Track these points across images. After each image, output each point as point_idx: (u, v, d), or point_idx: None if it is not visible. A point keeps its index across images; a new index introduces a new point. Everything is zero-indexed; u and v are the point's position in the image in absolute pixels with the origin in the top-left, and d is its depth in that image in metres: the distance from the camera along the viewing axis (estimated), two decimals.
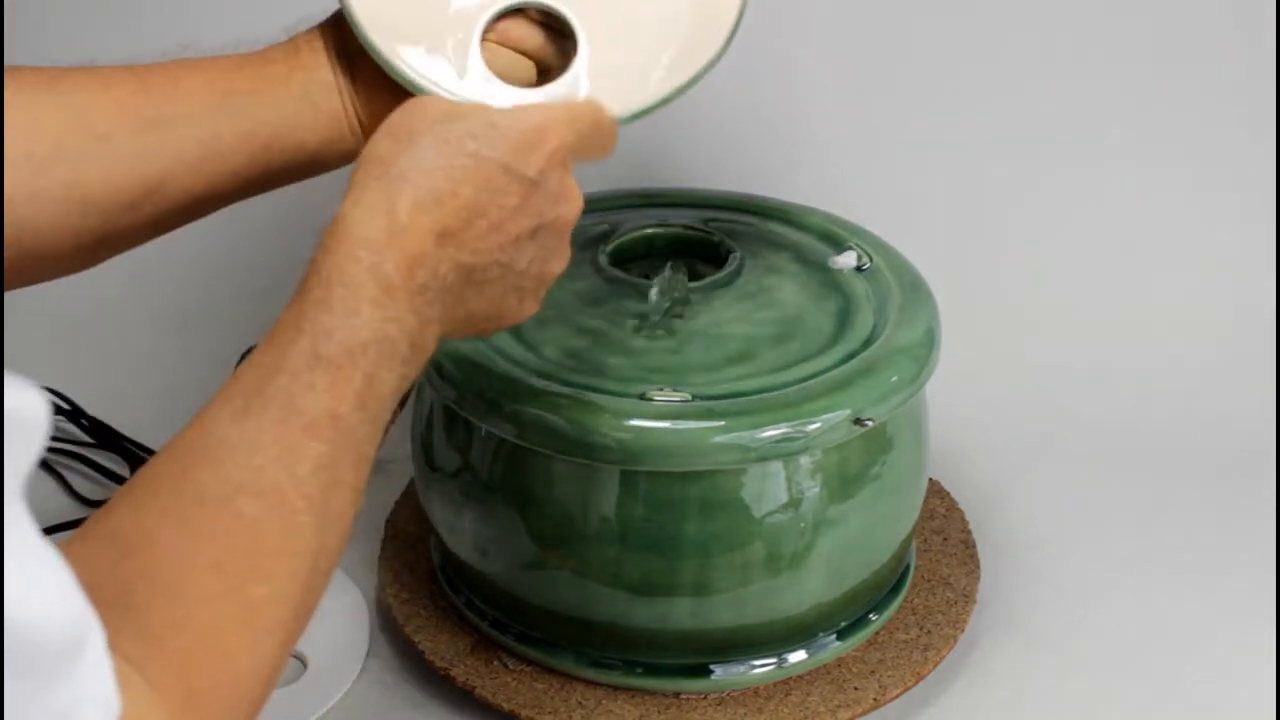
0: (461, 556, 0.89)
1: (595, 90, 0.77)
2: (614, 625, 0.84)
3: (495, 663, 0.88)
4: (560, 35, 0.79)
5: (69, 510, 1.05)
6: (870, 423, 0.82)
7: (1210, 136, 1.21)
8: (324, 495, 0.59)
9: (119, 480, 1.07)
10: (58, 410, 1.13)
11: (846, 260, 0.93)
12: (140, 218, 0.73)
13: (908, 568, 0.93)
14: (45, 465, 1.09)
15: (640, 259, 0.93)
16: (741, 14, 0.78)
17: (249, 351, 1.25)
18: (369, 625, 0.94)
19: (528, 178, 0.66)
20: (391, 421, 1.09)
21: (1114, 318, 1.19)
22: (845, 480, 0.83)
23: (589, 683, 0.87)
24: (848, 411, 0.81)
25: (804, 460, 0.82)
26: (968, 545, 0.97)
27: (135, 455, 1.09)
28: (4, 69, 0.70)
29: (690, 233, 0.94)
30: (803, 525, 0.83)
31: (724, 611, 0.84)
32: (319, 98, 0.75)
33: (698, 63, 0.77)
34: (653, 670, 0.86)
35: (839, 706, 0.85)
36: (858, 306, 0.89)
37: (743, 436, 0.80)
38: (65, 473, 1.08)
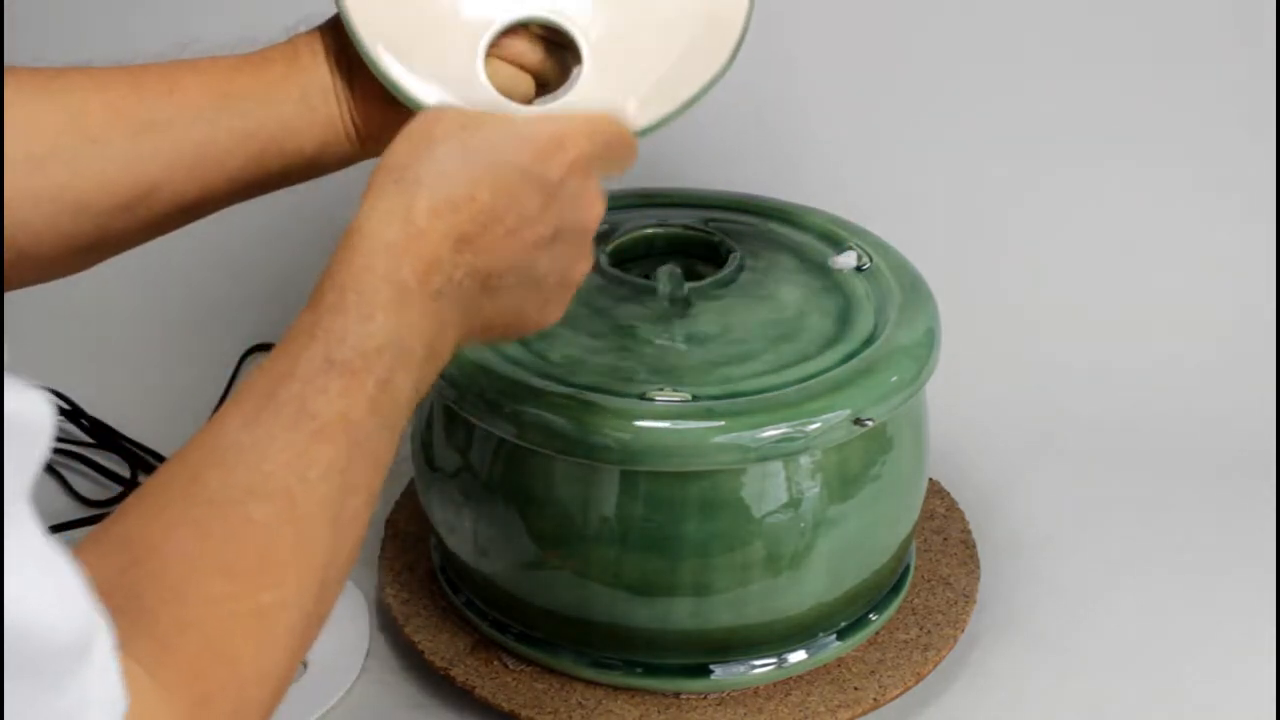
0: (461, 556, 0.89)
1: (598, 107, 0.77)
2: (614, 625, 0.84)
3: (495, 663, 0.88)
4: (560, 50, 0.79)
5: (69, 510, 1.05)
6: (870, 423, 0.82)
7: (1210, 136, 1.21)
8: (336, 500, 0.58)
9: (119, 480, 1.07)
10: (58, 410, 1.13)
11: (846, 260, 0.93)
12: (134, 220, 0.73)
13: (908, 568, 0.93)
14: (45, 465, 1.09)
15: (640, 259, 0.93)
16: (745, 30, 0.78)
17: (251, 351, 1.26)
18: (369, 625, 0.94)
19: (548, 183, 0.66)
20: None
21: (1114, 318, 1.19)
22: (845, 480, 0.83)
23: (589, 683, 0.87)
24: (848, 411, 0.81)
25: (804, 460, 0.82)
26: (968, 545, 0.97)
27: (135, 455, 1.09)
28: (1, 69, 0.69)
29: (690, 233, 0.94)
30: (803, 525, 0.83)
31: (724, 611, 0.84)
32: (316, 102, 0.74)
33: (701, 79, 0.77)
34: (653, 670, 0.86)
35: (839, 706, 0.85)
36: (858, 306, 0.89)
37: (743, 436, 0.80)
38: (65, 473, 1.08)
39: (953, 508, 1.00)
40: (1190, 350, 1.17)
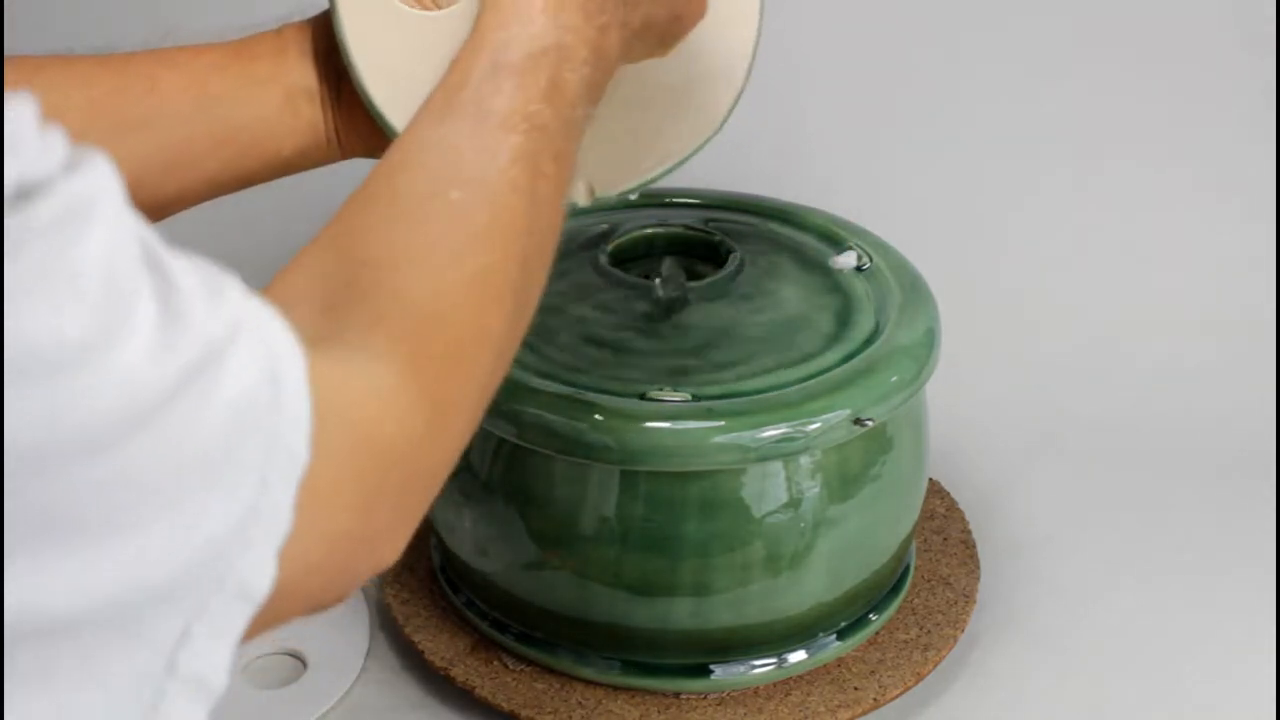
0: (461, 556, 0.89)
1: (595, 162, 0.77)
2: (614, 625, 0.84)
3: (495, 663, 0.88)
4: None
5: None
6: (870, 423, 0.82)
7: (1210, 137, 1.21)
8: (527, 183, 0.61)
9: None
10: None
11: (846, 260, 0.93)
12: None
13: (908, 568, 0.93)
14: None
15: (640, 259, 0.93)
16: (744, 88, 0.80)
17: None
18: (369, 625, 0.94)
19: None
20: None
21: (1114, 318, 1.19)
22: (845, 480, 0.83)
23: (589, 683, 0.87)
24: (848, 411, 0.81)
25: (804, 460, 0.82)
26: (968, 545, 0.97)
27: None
28: (1, 61, 0.69)
29: (690, 233, 0.94)
30: (803, 525, 0.83)
31: (724, 611, 0.84)
32: (300, 106, 0.73)
33: (694, 139, 0.79)
34: (653, 670, 0.86)
35: (839, 706, 0.85)
36: (858, 306, 0.89)
37: (743, 436, 0.80)
38: None
39: (953, 508, 1.00)
40: (1190, 350, 1.17)
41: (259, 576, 0.46)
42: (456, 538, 0.89)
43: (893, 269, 0.91)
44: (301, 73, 0.74)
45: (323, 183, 1.30)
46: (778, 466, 0.81)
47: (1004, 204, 1.23)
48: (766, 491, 0.82)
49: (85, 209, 0.41)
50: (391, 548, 0.54)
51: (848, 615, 0.88)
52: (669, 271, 0.89)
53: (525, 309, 0.62)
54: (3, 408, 0.39)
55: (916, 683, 0.87)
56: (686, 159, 0.79)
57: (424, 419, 0.54)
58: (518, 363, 0.84)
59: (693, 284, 0.89)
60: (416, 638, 0.90)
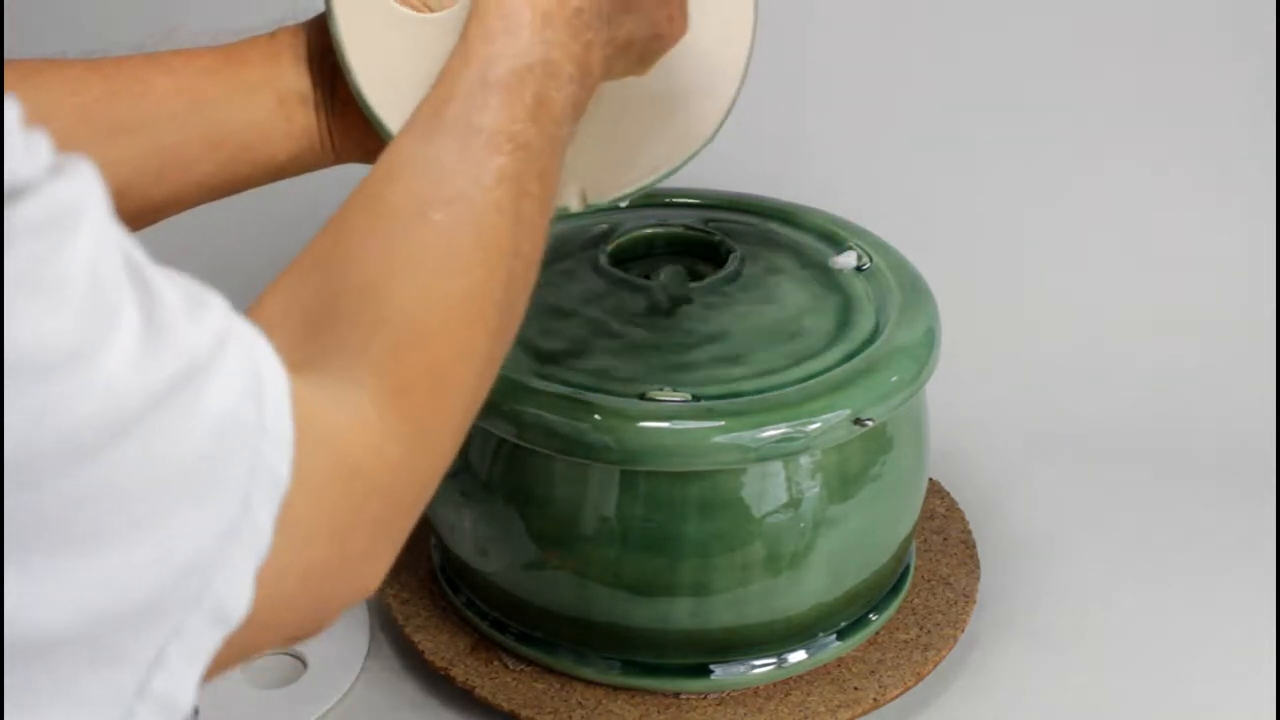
0: (461, 556, 0.89)
1: (587, 168, 0.77)
2: (614, 625, 0.84)
3: (495, 663, 0.88)
4: None
5: None
6: (870, 423, 0.82)
7: (1210, 137, 1.21)
8: (511, 202, 0.61)
9: None
10: None
11: (846, 260, 0.93)
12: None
13: (908, 568, 0.93)
14: None
15: (640, 259, 0.93)
16: (738, 95, 0.80)
17: None
18: (369, 625, 0.94)
19: None
20: None
21: (1114, 318, 1.19)
22: (845, 480, 0.83)
23: (589, 683, 0.87)
24: (848, 411, 0.81)
25: (804, 460, 0.82)
26: (968, 545, 0.97)
27: None
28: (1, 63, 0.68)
29: (690, 233, 0.94)
30: (803, 525, 0.83)
31: (724, 611, 0.84)
32: (294, 110, 0.73)
33: (688, 146, 0.79)
34: (653, 670, 0.86)
35: (839, 706, 0.85)
36: (858, 306, 0.89)
37: (743, 436, 0.80)
38: None
39: (953, 508, 1.00)
40: (1190, 350, 1.17)
41: (236, 598, 0.46)
42: (456, 538, 0.89)
43: (893, 269, 0.91)
44: (295, 77, 0.73)
45: (316, 187, 1.30)
46: (778, 466, 0.81)
47: (1004, 204, 1.23)
48: (766, 491, 0.82)
49: (71, 214, 0.41)
50: (371, 574, 0.54)
51: (848, 615, 0.88)
52: (668, 272, 0.89)
53: (508, 329, 0.62)
54: None
55: (916, 683, 0.87)
56: (678, 168, 0.80)
57: (405, 447, 0.54)
58: (518, 363, 0.84)
59: (693, 284, 0.89)
60: (416, 638, 0.90)
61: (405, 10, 0.72)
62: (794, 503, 0.82)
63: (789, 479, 0.82)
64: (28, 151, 0.41)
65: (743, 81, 0.81)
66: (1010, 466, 1.08)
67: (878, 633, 0.90)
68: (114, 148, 0.70)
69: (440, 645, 0.90)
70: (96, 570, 0.41)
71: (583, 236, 0.95)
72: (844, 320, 0.88)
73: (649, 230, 0.95)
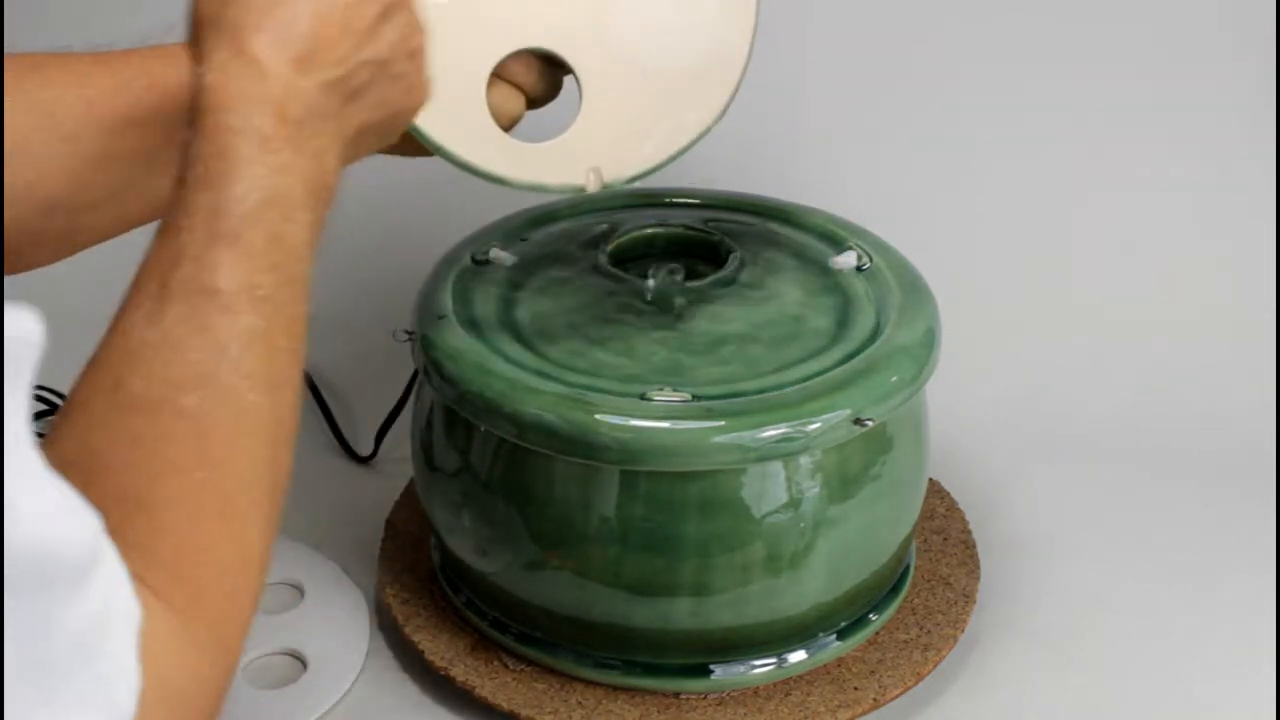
0: (461, 556, 0.89)
1: (598, 149, 0.77)
2: (614, 625, 0.84)
3: (495, 663, 0.88)
4: (553, 67, 0.79)
5: None
6: (870, 423, 0.82)
7: (1211, 136, 1.21)
8: (264, 368, 0.57)
9: None
10: (57, 410, 1.13)
11: (846, 260, 0.93)
12: (107, 217, 0.71)
13: (908, 568, 0.93)
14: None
15: (640, 259, 0.93)
16: (744, 73, 0.80)
17: None
18: (369, 625, 0.94)
19: None
20: (389, 423, 1.08)
21: (1114, 317, 1.19)
22: (845, 480, 0.83)
23: (589, 683, 0.87)
24: (848, 411, 0.81)
25: (804, 460, 0.82)
26: (968, 545, 0.97)
27: None
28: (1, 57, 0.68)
29: (690, 233, 0.94)
30: (803, 525, 0.83)
31: (724, 611, 0.84)
32: None
33: (699, 124, 0.79)
34: (653, 670, 0.86)
35: (839, 706, 0.85)
36: (858, 306, 0.89)
37: (743, 436, 0.80)
38: None
39: (953, 508, 1.00)
40: (1190, 350, 1.17)
41: None
42: (456, 538, 0.89)
43: (893, 269, 0.91)
44: None
45: None
46: (778, 466, 0.81)
47: (1004, 204, 1.23)
48: (766, 491, 0.82)
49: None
50: None
51: (848, 615, 0.88)
52: (668, 272, 0.89)
53: (280, 493, 0.59)
54: None
55: (916, 683, 0.87)
56: (687, 148, 0.80)
57: (210, 657, 0.53)
58: (518, 363, 0.84)
59: (693, 284, 0.89)
60: (416, 638, 0.90)
61: None
62: (794, 503, 0.82)
63: (789, 479, 0.82)
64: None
65: (748, 60, 0.81)
66: (1010, 466, 1.08)
67: (878, 633, 0.90)
68: (120, 140, 0.70)
69: (440, 645, 0.90)
70: None
71: (583, 236, 0.95)
72: (844, 320, 0.88)
73: (649, 230, 0.95)
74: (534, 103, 0.79)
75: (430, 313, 0.87)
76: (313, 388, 1.15)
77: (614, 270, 0.90)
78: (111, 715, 0.46)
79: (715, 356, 0.85)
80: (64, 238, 0.71)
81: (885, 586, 0.91)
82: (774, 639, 0.86)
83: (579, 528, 0.83)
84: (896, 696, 0.86)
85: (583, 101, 0.80)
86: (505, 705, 0.85)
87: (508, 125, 0.79)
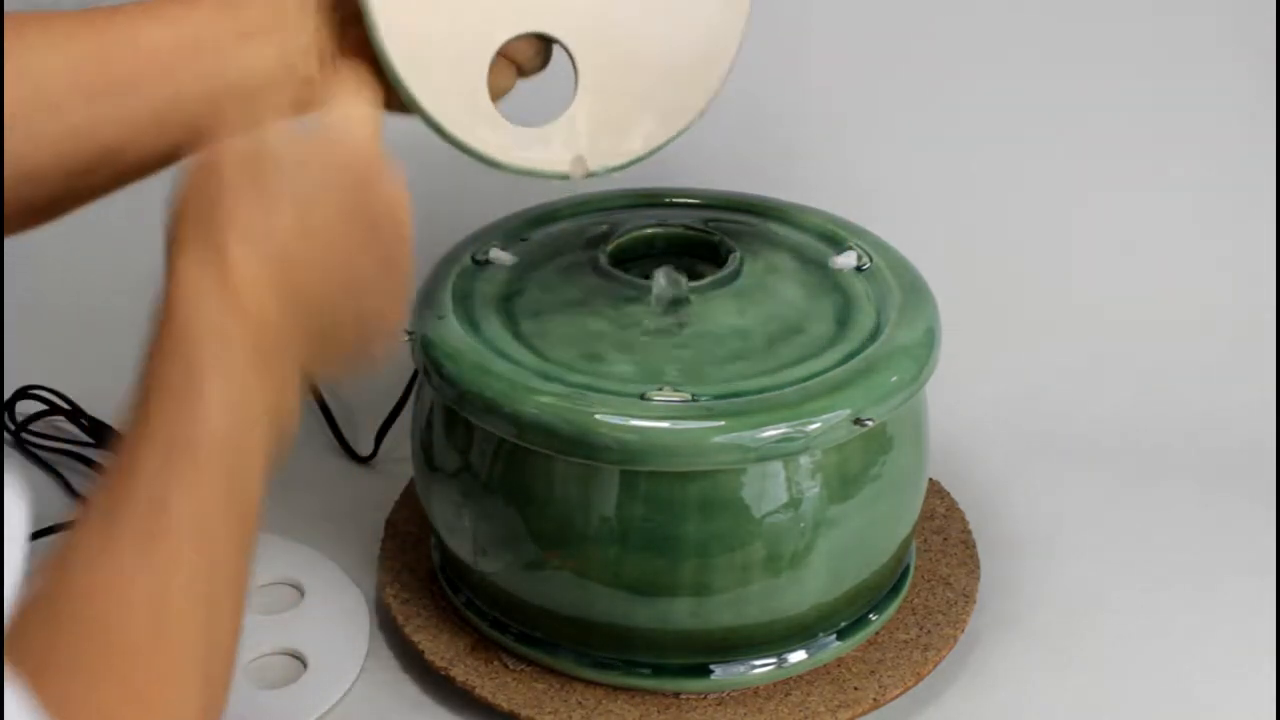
0: (461, 556, 0.89)
1: (587, 137, 0.78)
2: (614, 625, 0.84)
3: (495, 663, 0.88)
4: (548, 43, 0.79)
5: (69, 510, 1.05)
6: (870, 423, 0.82)
7: (1211, 136, 1.21)
8: (205, 606, 0.55)
9: None
10: (57, 410, 1.13)
11: (846, 260, 0.93)
12: (96, 180, 0.69)
13: (908, 568, 0.93)
14: (45, 465, 1.09)
15: (640, 259, 0.93)
16: (730, 72, 0.81)
17: None
18: (369, 625, 0.94)
19: (344, 187, 0.63)
20: (389, 423, 1.09)
21: (1114, 317, 1.19)
22: (845, 480, 0.83)
23: (589, 683, 0.87)
24: (848, 411, 0.81)
25: (804, 460, 0.82)
26: (968, 545, 0.97)
27: None
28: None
29: (690, 233, 0.94)
30: (803, 525, 0.83)
31: (724, 611, 0.84)
32: (295, 61, 0.70)
33: (684, 119, 0.79)
34: (653, 670, 0.86)
35: (839, 706, 0.85)
36: (858, 306, 0.89)
37: (743, 436, 0.80)
38: (65, 473, 1.08)
39: (953, 508, 1.00)
40: (1190, 350, 1.17)
41: None
42: (456, 538, 0.89)
43: (893, 269, 0.91)
44: (299, 28, 0.71)
45: None
46: (778, 466, 0.81)
47: (1004, 204, 1.23)
48: (766, 491, 0.82)
49: None
50: None
51: (848, 615, 0.88)
52: (668, 272, 0.89)
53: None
54: None
55: (916, 683, 0.87)
56: (675, 137, 0.80)
57: None
58: (518, 363, 0.84)
59: (693, 284, 0.89)
60: (416, 638, 0.90)
61: None
62: (794, 503, 0.82)
63: (789, 479, 0.82)
64: None
65: (735, 59, 0.81)
66: (1010, 466, 1.08)
67: (878, 633, 0.90)
68: (108, 106, 0.67)
69: (440, 645, 0.90)
70: None
71: (583, 236, 0.95)
72: (844, 320, 0.88)
73: (649, 230, 0.95)
74: (523, 75, 0.79)
75: (430, 313, 0.87)
76: (313, 388, 1.15)
77: (614, 270, 0.90)
78: None
79: (715, 356, 0.84)
80: (52, 203, 0.69)
81: (885, 586, 0.91)
82: (774, 639, 0.86)
83: (579, 528, 0.83)
84: (896, 696, 0.86)
85: (577, 90, 0.80)
86: (505, 705, 0.85)
87: (497, 98, 0.79)
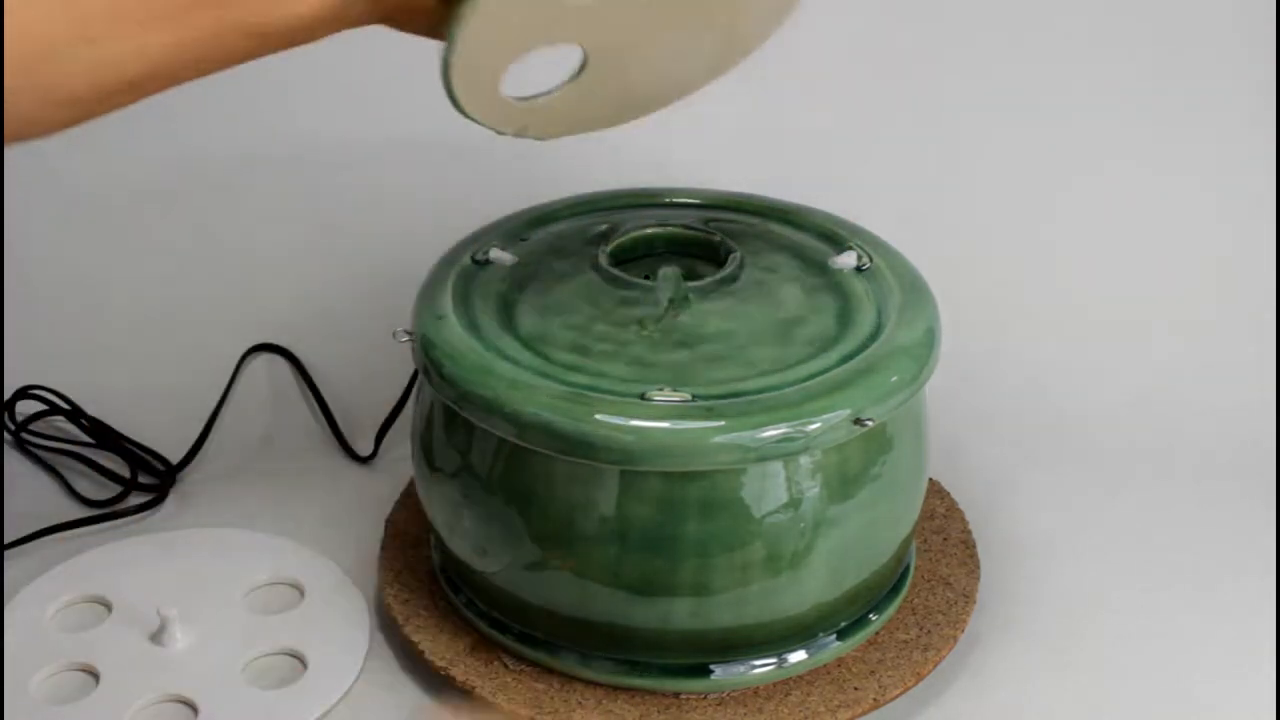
0: (461, 556, 0.89)
1: (545, 111, 0.78)
2: (614, 625, 0.84)
3: (495, 663, 0.88)
4: None
5: (69, 510, 1.05)
6: (870, 423, 0.82)
7: (1211, 136, 1.21)
8: None
9: (119, 480, 1.07)
10: (57, 410, 1.13)
11: (846, 260, 0.93)
12: (126, 101, 0.70)
13: (908, 568, 0.93)
14: (45, 465, 1.09)
15: (640, 259, 0.93)
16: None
17: (251, 351, 1.26)
18: (369, 625, 0.94)
19: None
20: (389, 423, 1.08)
21: (1114, 318, 1.19)
22: (845, 480, 0.84)
23: (589, 683, 0.87)
24: (848, 411, 0.81)
25: (804, 460, 0.82)
26: (968, 545, 0.97)
27: (135, 455, 1.09)
28: None
29: (690, 233, 0.94)
30: (803, 525, 0.83)
31: (724, 611, 0.84)
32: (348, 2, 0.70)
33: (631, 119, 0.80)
34: (653, 670, 0.86)
35: (839, 706, 0.85)
36: (858, 306, 0.89)
37: (743, 436, 0.80)
38: (65, 473, 1.08)
39: (953, 508, 1.00)
40: (1190, 350, 1.17)
41: None
42: (456, 538, 0.89)
43: (893, 269, 0.91)
44: None
45: (322, 186, 1.30)
46: (778, 466, 0.81)
47: (1004, 204, 1.23)
48: (766, 491, 0.82)
49: None
50: None
51: (848, 615, 0.88)
52: (668, 272, 0.89)
53: None
54: None
55: (916, 683, 0.88)
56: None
57: None
58: (518, 363, 0.84)
59: (692, 284, 0.89)
60: (416, 638, 0.90)
61: None
62: (794, 503, 0.82)
63: (789, 479, 0.82)
64: None
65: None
66: (1010, 466, 1.08)
67: (878, 633, 0.90)
68: (146, 40, 0.67)
69: (440, 645, 0.90)
70: None
71: (583, 236, 0.95)
72: (844, 320, 0.88)
73: (649, 230, 0.95)
74: None
75: (430, 313, 0.87)
76: (313, 388, 1.15)
77: (614, 270, 0.90)
78: None
79: (715, 356, 0.85)
80: (77, 119, 0.70)
81: (885, 586, 0.91)
82: (774, 639, 0.86)
83: (579, 528, 0.83)
84: (896, 696, 0.86)
85: (566, 90, 0.79)
86: (505, 705, 0.85)
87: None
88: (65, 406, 1.13)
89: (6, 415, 1.12)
